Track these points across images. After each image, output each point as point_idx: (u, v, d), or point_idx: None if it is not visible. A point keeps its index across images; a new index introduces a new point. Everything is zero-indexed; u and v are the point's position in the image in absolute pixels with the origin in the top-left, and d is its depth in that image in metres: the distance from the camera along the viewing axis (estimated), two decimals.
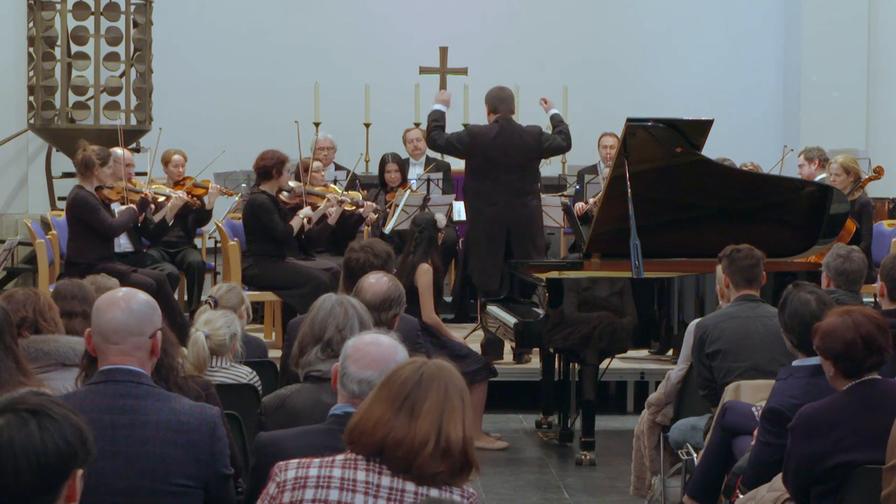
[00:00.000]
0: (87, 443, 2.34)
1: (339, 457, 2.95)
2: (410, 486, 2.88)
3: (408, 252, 7.95)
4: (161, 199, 9.37)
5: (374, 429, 2.86)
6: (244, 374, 5.28)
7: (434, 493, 2.89)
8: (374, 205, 9.92)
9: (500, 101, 8.91)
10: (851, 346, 4.13)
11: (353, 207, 9.70)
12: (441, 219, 8.17)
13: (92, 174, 8.66)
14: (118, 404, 3.42)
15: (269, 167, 8.92)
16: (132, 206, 8.85)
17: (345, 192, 9.75)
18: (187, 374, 4.14)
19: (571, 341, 7.30)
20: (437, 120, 9.02)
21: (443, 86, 12.52)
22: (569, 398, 7.94)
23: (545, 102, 9.24)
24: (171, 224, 9.49)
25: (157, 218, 9.24)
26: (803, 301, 4.74)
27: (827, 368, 4.25)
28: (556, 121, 9.08)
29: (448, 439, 2.85)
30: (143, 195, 9.04)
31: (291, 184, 9.27)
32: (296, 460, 2.99)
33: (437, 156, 11.59)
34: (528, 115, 11.42)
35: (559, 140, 8.95)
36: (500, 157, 8.76)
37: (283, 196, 9.12)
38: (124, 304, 3.55)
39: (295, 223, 9.04)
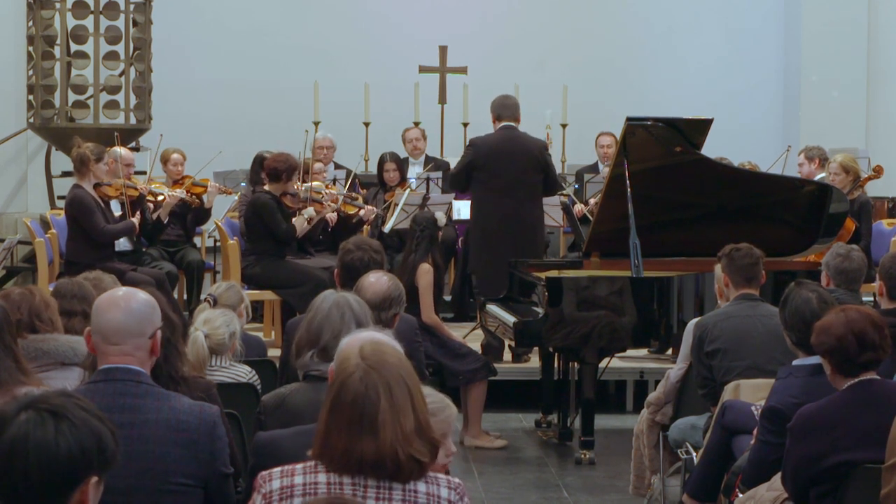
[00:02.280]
0: (106, 451, 2.32)
1: None
2: (397, 485, 2.88)
3: (409, 251, 7.95)
4: (160, 198, 9.37)
5: (346, 456, 2.85)
6: (243, 373, 5.28)
7: (422, 487, 2.89)
8: (374, 208, 9.92)
9: (504, 109, 8.94)
10: (843, 341, 4.15)
11: (355, 210, 9.72)
12: (441, 217, 8.17)
13: (88, 171, 8.67)
14: (117, 403, 3.41)
15: (281, 171, 8.93)
16: (131, 220, 8.84)
17: (346, 195, 9.76)
18: (189, 376, 4.12)
19: (571, 340, 7.29)
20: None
21: (442, 83, 12.53)
22: (568, 397, 7.93)
23: None
24: (166, 222, 9.48)
25: (153, 217, 9.24)
26: (805, 299, 4.74)
27: (825, 366, 4.27)
28: None
29: (407, 439, 2.85)
30: (141, 191, 9.06)
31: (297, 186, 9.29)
32: (279, 469, 2.96)
33: (437, 154, 11.60)
34: (528, 114, 11.42)
35: (555, 173, 9.12)
36: (504, 164, 8.77)
37: (288, 200, 9.13)
38: (124, 304, 3.53)
39: (298, 222, 9.04)
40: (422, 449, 2.86)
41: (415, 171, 10.92)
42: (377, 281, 5.04)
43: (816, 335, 4.24)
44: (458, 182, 9.31)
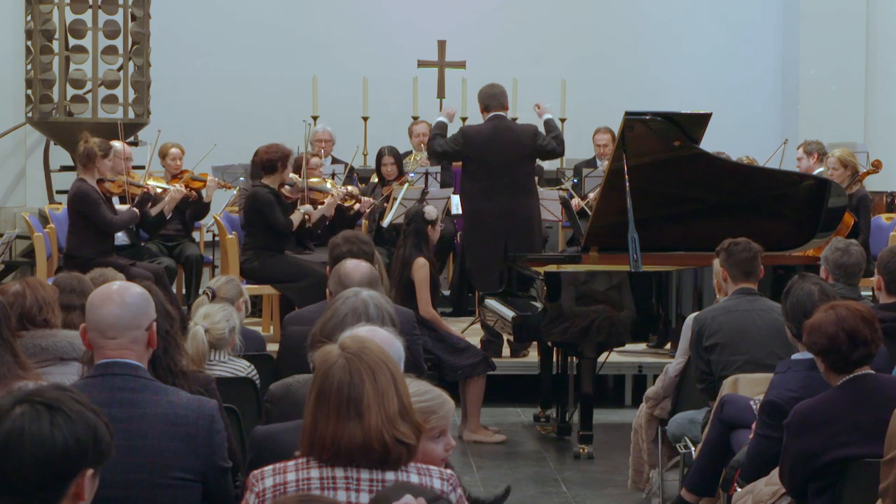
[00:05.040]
0: (101, 443, 2.33)
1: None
2: (390, 476, 2.90)
3: (399, 245, 7.94)
4: (159, 191, 9.36)
5: (335, 443, 2.87)
6: (242, 368, 5.27)
7: (414, 478, 2.90)
8: (371, 199, 9.92)
9: (491, 98, 8.88)
10: (835, 340, 4.15)
11: (353, 202, 9.71)
12: (431, 211, 8.09)
13: (93, 166, 8.65)
14: (116, 397, 3.41)
15: (275, 161, 8.91)
16: (134, 209, 8.84)
17: (344, 187, 9.76)
18: (188, 370, 4.11)
19: (569, 335, 7.29)
20: (439, 130, 9.09)
21: (441, 77, 12.53)
22: (567, 392, 7.94)
23: (538, 108, 9.21)
24: (169, 217, 9.47)
25: (154, 211, 9.23)
26: (807, 292, 4.75)
27: (819, 364, 4.27)
28: (550, 126, 9.02)
29: (392, 422, 2.87)
30: (144, 189, 9.05)
31: (293, 177, 9.28)
32: (270, 467, 2.97)
33: None
34: (527, 109, 11.41)
35: (553, 144, 8.93)
36: (495, 155, 8.74)
37: (285, 190, 9.12)
38: (119, 298, 3.53)
39: (295, 217, 9.04)
40: (407, 431, 2.89)
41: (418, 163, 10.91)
42: (356, 267, 5.01)
43: (808, 335, 4.25)
44: (434, 152, 9.25)
